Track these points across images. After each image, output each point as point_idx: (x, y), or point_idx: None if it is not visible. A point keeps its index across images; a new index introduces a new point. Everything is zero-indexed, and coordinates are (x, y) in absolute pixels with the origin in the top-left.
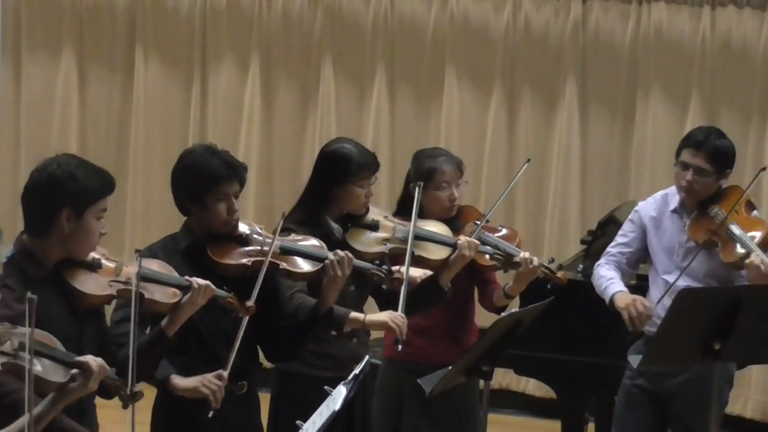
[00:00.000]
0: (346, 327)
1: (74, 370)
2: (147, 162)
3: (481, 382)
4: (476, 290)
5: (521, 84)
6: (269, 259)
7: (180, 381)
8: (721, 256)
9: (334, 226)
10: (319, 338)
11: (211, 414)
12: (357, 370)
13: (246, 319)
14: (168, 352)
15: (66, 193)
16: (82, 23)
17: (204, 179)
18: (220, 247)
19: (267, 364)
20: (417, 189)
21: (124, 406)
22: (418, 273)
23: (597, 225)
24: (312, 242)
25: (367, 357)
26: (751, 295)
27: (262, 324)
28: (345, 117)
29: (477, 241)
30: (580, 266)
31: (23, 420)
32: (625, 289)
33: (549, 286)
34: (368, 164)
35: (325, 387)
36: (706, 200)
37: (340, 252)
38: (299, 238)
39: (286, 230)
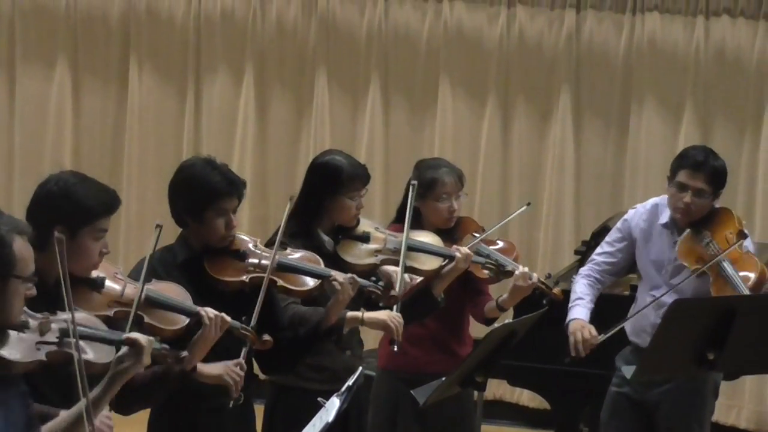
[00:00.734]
0: (345, 327)
1: (124, 349)
2: (141, 173)
3: (475, 393)
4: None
5: (515, 94)
6: (269, 275)
7: (204, 367)
8: (711, 290)
9: (326, 238)
10: (314, 350)
11: (231, 404)
12: (350, 382)
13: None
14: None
15: (58, 211)
16: (76, 34)
17: (204, 194)
18: (217, 263)
19: (261, 375)
20: (411, 188)
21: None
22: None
23: (591, 235)
24: (306, 256)
25: (360, 368)
26: (746, 306)
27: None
28: (339, 127)
29: (472, 253)
30: (574, 277)
31: (81, 404)
32: (584, 315)
33: (545, 302)
34: (359, 176)
35: (319, 399)
36: (698, 220)
37: (340, 275)
38: (294, 252)
39: (282, 244)
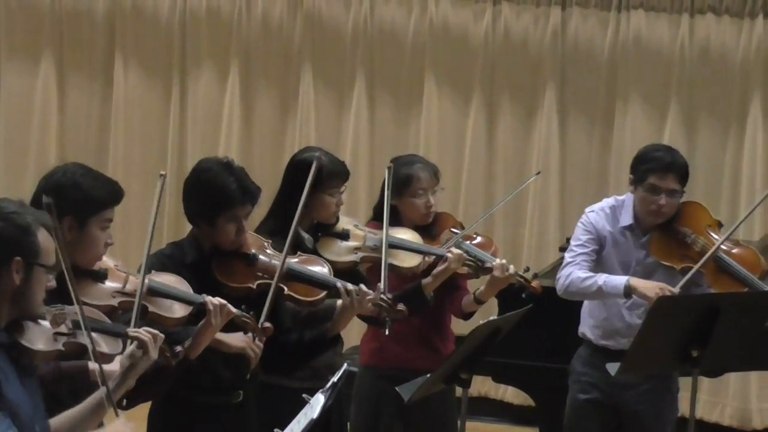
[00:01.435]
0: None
1: (132, 345)
2: (126, 169)
3: (460, 390)
4: None
5: (500, 91)
6: (275, 283)
7: (226, 338)
8: (714, 288)
9: (305, 235)
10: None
11: (248, 376)
12: (335, 378)
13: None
14: (188, 372)
15: (68, 202)
16: (61, 30)
17: (217, 200)
18: (225, 267)
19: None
20: (387, 171)
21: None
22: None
23: None
24: (322, 268)
25: (345, 365)
26: (730, 303)
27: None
28: (324, 124)
29: (465, 255)
30: (560, 274)
31: (99, 393)
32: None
33: (524, 296)
34: (338, 173)
35: (303, 395)
36: (668, 220)
37: (349, 286)
38: (307, 260)
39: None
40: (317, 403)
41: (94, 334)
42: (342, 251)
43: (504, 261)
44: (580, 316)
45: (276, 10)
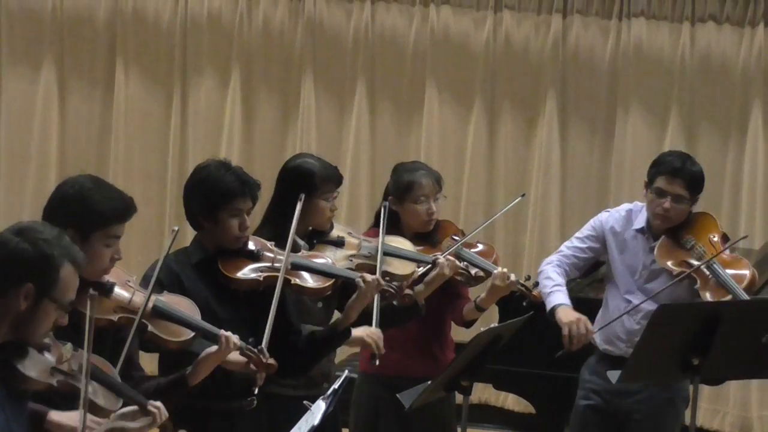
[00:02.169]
0: None
1: (132, 408)
2: (127, 175)
3: (460, 397)
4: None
5: (501, 99)
6: (283, 275)
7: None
8: (706, 296)
9: (301, 242)
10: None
11: (256, 390)
12: (336, 385)
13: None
14: (186, 398)
15: (72, 214)
16: (62, 36)
17: (217, 194)
18: (231, 263)
19: None
20: (383, 209)
21: None
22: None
23: None
24: (325, 260)
25: (346, 371)
26: (730, 311)
27: (273, 340)
28: (325, 131)
29: (457, 262)
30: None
31: None
32: (567, 301)
33: (525, 304)
34: (331, 177)
35: (305, 402)
36: (676, 226)
37: (368, 276)
38: (311, 254)
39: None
40: (318, 409)
41: (96, 385)
42: (337, 258)
43: (505, 269)
44: None
45: (277, 17)
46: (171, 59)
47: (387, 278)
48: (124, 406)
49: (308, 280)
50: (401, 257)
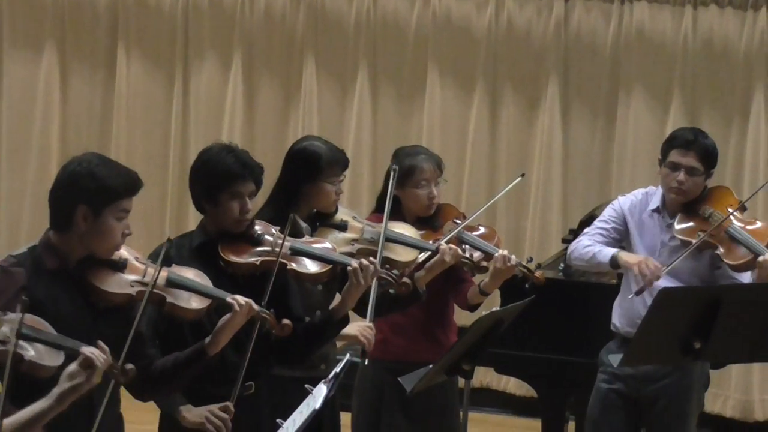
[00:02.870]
0: None
1: (74, 365)
2: (128, 160)
3: (462, 381)
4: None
5: (503, 83)
6: (279, 259)
7: (187, 414)
8: (727, 260)
9: (303, 224)
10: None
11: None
12: (338, 369)
13: (256, 329)
14: (207, 370)
15: (83, 191)
16: (64, 20)
17: (218, 177)
18: (231, 246)
19: None
20: (392, 173)
21: (116, 384)
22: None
23: (578, 224)
24: (324, 245)
25: (348, 355)
26: (731, 295)
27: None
28: (327, 115)
29: (459, 250)
30: (562, 265)
31: (23, 414)
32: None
33: (527, 286)
34: (337, 161)
35: (306, 386)
36: (692, 201)
37: (364, 260)
38: (311, 240)
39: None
40: (320, 393)
41: (26, 343)
42: (339, 242)
43: (506, 252)
44: (582, 308)
45: (278, 1)
46: (173, 43)
47: (387, 266)
48: (69, 359)
49: (306, 266)
50: (404, 243)
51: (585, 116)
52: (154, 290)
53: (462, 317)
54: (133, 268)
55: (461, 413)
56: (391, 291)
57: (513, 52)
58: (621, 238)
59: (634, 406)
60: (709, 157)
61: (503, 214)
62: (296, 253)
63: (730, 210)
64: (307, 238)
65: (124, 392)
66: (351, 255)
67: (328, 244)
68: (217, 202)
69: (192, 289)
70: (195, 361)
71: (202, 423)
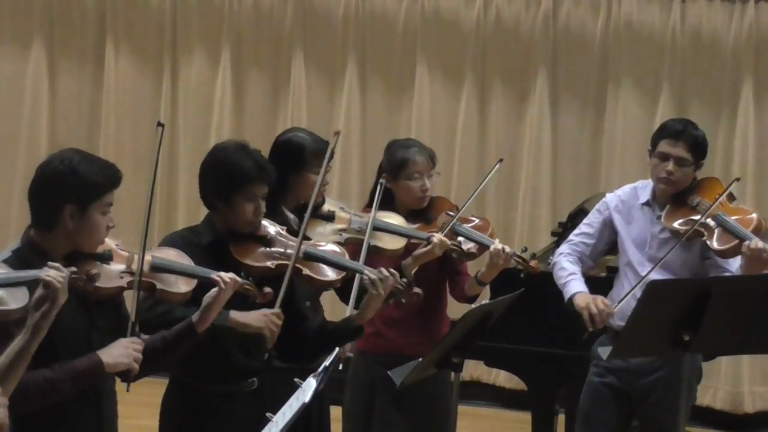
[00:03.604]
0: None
1: (38, 292)
2: (117, 154)
3: (452, 374)
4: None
5: (492, 76)
6: (294, 264)
7: (244, 317)
8: (713, 245)
9: (291, 216)
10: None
11: (266, 356)
12: (327, 362)
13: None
14: (195, 346)
15: (68, 190)
16: (52, 15)
17: (234, 177)
18: (243, 247)
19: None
20: (379, 186)
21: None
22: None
23: (567, 217)
24: (332, 248)
25: (337, 349)
26: (721, 287)
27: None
28: (316, 109)
29: (448, 242)
30: (551, 258)
31: (4, 357)
32: (584, 288)
33: (522, 275)
34: (322, 151)
35: (296, 379)
36: (681, 192)
37: (384, 270)
38: (320, 243)
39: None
40: (309, 387)
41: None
42: (327, 232)
43: (500, 245)
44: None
45: None
46: (161, 37)
47: (404, 279)
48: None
49: (321, 272)
50: (392, 232)
51: (574, 109)
52: (143, 278)
53: (453, 311)
54: (119, 257)
55: (452, 406)
56: (403, 300)
57: (502, 45)
58: (608, 240)
59: (626, 399)
60: (698, 147)
61: (493, 206)
62: (310, 257)
63: (717, 197)
64: (315, 241)
65: (119, 386)
66: (339, 245)
67: (335, 248)
68: (230, 202)
69: (177, 271)
70: (184, 339)
71: (259, 327)
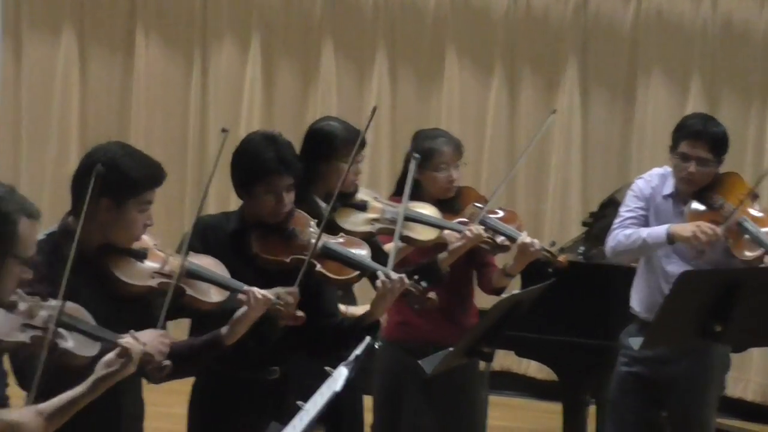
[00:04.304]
0: None
1: (111, 354)
2: (147, 141)
3: (482, 364)
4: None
5: (522, 65)
6: (309, 258)
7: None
8: (734, 253)
9: (323, 204)
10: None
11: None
12: (359, 351)
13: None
14: (221, 359)
15: (106, 183)
16: (82, 2)
17: (254, 169)
18: (264, 239)
19: None
20: (413, 161)
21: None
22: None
23: (599, 206)
24: (360, 250)
25: (368, 337)
26: (751, 278)
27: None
28: (346, 98)
29: (484, 234)
30: (581, 248)
31: (58, 400)
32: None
33: (550, 270)
34: (353, 140)
35: (326, 368)
36: (703, 188)
37: (393, 275)
38: (346, 241)
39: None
40: (340, 375)
41: (66, 332)
42: (359, 221)
43: (528, 238)
44: (602, 291)
45: None
46: (191, 24)
47: (416, 277)
48: (103, 350)
49: (334, 270)
50: (424, 222)
51: (604, 98)
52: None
53: (481, 300)
54: (154, 256)
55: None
56: (416, 307)
57: (532, 33)
58: (647, 222)
59: (653, 388)
60: (719, 145)
61: (523, 196)
62: (328, 254)
63: (740, 203)
64: (343, 238)
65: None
66: (371, 234)
67: (363, 250)
68: (251, 193)
69: (211, 280)
70: (211, 350)
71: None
